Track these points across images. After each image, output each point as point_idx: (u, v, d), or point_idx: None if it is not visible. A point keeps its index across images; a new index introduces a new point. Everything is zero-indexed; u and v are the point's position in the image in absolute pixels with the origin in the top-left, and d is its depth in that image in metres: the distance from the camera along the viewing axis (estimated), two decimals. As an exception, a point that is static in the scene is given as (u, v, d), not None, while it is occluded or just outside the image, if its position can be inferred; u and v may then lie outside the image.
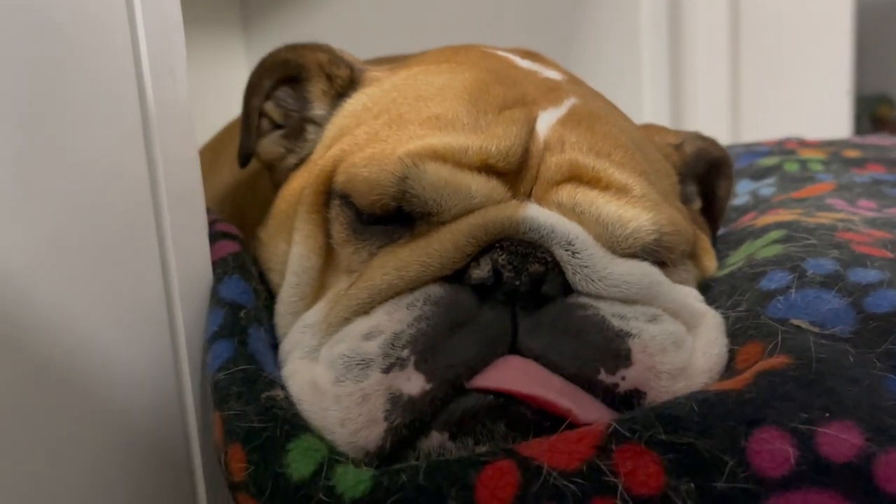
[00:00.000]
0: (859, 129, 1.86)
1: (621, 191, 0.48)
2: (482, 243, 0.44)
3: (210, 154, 0.86)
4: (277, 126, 0.61)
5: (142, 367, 0.47)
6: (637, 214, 0.47)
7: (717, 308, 0.51)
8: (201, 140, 0.94)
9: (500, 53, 0.63)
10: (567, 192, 0.47)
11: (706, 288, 0.55)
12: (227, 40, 1.55)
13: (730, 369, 0.45)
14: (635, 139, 0.54)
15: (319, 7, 1.49)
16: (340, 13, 1.48)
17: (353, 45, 0.87)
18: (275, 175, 0.60)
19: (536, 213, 0.45)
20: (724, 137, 1.26)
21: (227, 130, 0.83)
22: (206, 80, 1.28)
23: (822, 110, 1.27)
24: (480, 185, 0.46)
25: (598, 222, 0.46)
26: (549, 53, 0.76)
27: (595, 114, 0.53)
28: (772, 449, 0.36)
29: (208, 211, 0.56)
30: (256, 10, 1.57)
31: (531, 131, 0.49)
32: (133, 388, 0.47)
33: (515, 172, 0.48)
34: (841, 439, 0.36)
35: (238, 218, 0.66)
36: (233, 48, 1.55)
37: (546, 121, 0.51)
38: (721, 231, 0.68)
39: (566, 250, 0.44)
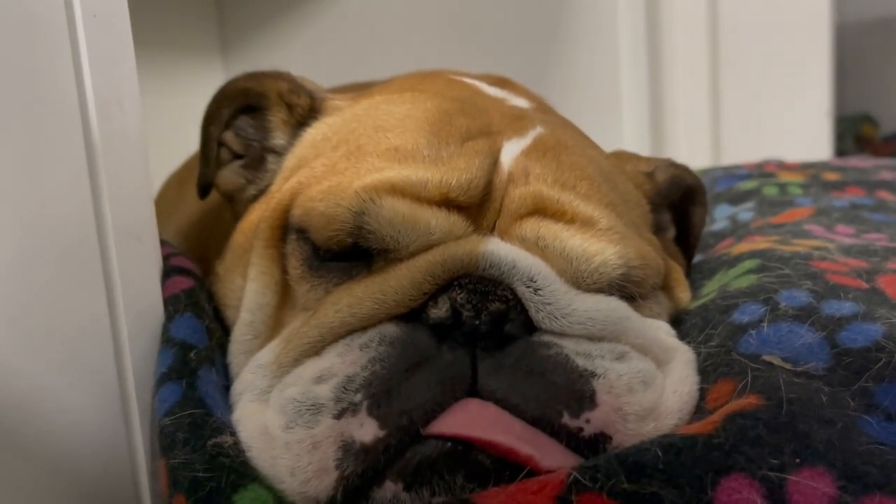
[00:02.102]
0: (843, 148, 1.86)
1: (587, 224, 0.46)
2: (440, 281, 0.43)
3: (178, 181, 0.85)
4: (237, 156, 0.59)
5: (88, 412, 0.45)
6: (603, 248, 0.45)
7: (689, 342, 0.49)
8: (176, 166, 0.93)
9: (468, 81, 0.62)
10: (531, 226, 0.46)
11: (679, 320, 0.53)
12: (206, 65, 1.54)
13: (700, 409, 0.44)
14: (603, 169, 0.53)
15: (297, 31, 1.49)
16: (318, 37, 1.47)
17: (330, 69, 0.86)
18: (234, 206, 0.58)
19: (497, 249, 0.44)
20: (704, 160, 1.25)
21: (195, 159, 0.82)
22: (185, 105, 1.27)
23: (803, 132, 1.27)
24: (440, 220, 0.44)
25: (563, 257, 0.45)
26: (529, 80, 0.75)
27: (561, 144, 0.51)
28: (740, 499, 0.34)
29: (165, 244, 0.54)
30: (235, 35, 1.56)
31: (494, 163, 0.48)
32: (78, 435, 0.45)
33: (478, 206, 0.47)
34: (812, 488, 0.34)
35: (202, 249, 0.65)
36: (211, 73, 1.54)
37: (510, 152, 0.49)
38: (697, 258, 0.67)
39: (528, 287, 0.43)
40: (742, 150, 1.26)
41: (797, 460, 0.35)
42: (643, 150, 1.11)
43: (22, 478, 0.42)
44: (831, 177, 0.92)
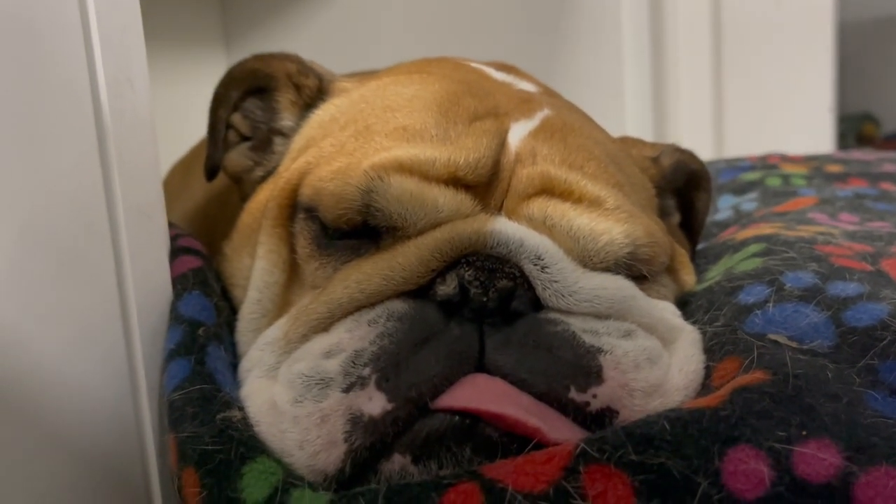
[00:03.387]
0: (845, 147, 1.87)
1: (594, 203, 0.46)
2: (448, 258, 0.43)
3: (183, 168, 0.85)
4: (245, 138, 0.59)
5: (97, 388, 0.45)
6: (609, 227, 0.45)
7: (694, 323, 0.50)
8: (180, 155, 0.93)
9: (474, 65, 0.62)
10: (538, 206, 0.46)
11: (684, 303, 0.54)
12: (210, 57, 1.55)
13: (706, 386, 0.44)
14: (610, 151, 0.53)
15: (301, 24, 1.49)
16: (321, 30, 1.48)
17: (333, 61, 0.87)
18: (242, 188, 0.58)
19: (505, 227, 0.44)
20: (707, 153, 1.25)
21: (201, 145, 0.82)
22: (189, 97, 1.27)
23: (805, 127, 1.27)
24: (448, 199, 0.45)
25: (570, 236, 0.45)
26: (532, 70, 0.76)
27: (568, 126, 0.52)
28: (746, 469, 0.34)
29: (172, 225, 0.55)
30: (238, 26, 1.56)
31: (502, 143, 0.48)
32: (88, 410, 0.45)
33: (486, 185, 0.47)
34: (818, 459, 0.34)
35: (209, 232, 0.65)
36: (215, 65, 1.55)
37: (518, 133, 0.49)
38: (701, 245, 0.67)
39: (535, 265, 0.43)
40: (745, 146, 1.26)
41: (803, 432, 0.36)
42: (646, 143, 1.11)
43: (31, 452, 0.43)
44: (834, 169, 0.93)
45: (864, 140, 2.30)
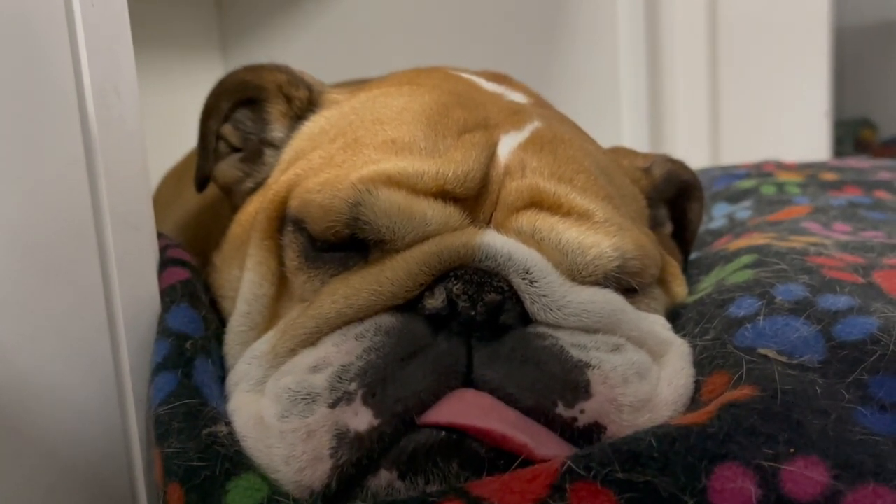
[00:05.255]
0: (842, 152, 1.87)
1: (583, 216, 0.46)
2: (436, 271, 0.43)
3: (176, 177, 0.85)
4: (235, 149, 0.59)
5: (84, 400, 0.45)
6: (598, 241, 0.45)
7: (684, 336, 0.49)
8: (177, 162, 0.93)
9: (465, 76, 0.62)
10: (527, 219, 0.46)
11: (675, 315, 0.54)
12: (206, 63, 1.55)
13: (695, 401, 0.44)
14: (600, 163, 0.53)
15: (297, 30, 1.49)
16: (318, 36, 1.48)
17: (330, 67, 0.87)
18: (232, 199, 0.58)
19: (493, 241, 0.44)
20: (703, 160, 1.25)
21: (194, 154, 0.82)
22: (185, 103, 1.27)
23: (802, 131, 1.27)
24: (436, 212, 0.45)
25: (558, 249, 0.45)
26: (528, 75, 0.75)
27: (559, 137, 0.51)
28: (733, 488, 0.34)
29: (162, 236, 0.54)
30: (235, 33, 1.56)
31: (492, 156, 0.48)
32: (75, 422, 0.45)
33: (475, 198, 0.47)
34: (806, 476, 0.34)
35: (201, 243, 0.65)
36: (212, 71, 1.55)
37: (507, 145, 0.49)
38: (694, 255, 0.67)
39: (523, 279, 0.43)
40: (741, 151, 1.26)
41: (791, 449, 0.35)
42: (642, 149, 1.11)
43: (16, 465, 0.42)
44: (829, 177, 0.92)
45: (861, 145, 2.30)
